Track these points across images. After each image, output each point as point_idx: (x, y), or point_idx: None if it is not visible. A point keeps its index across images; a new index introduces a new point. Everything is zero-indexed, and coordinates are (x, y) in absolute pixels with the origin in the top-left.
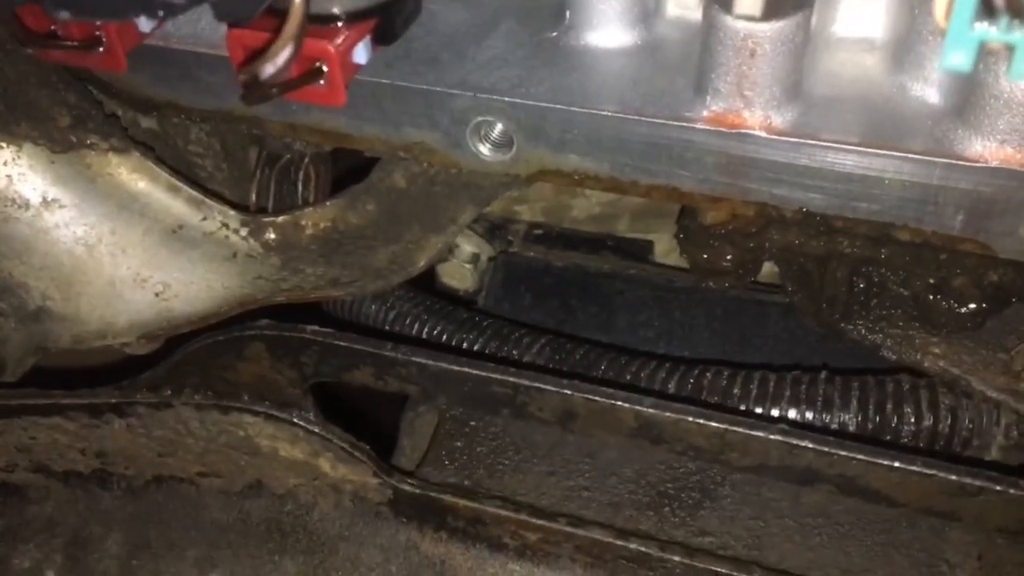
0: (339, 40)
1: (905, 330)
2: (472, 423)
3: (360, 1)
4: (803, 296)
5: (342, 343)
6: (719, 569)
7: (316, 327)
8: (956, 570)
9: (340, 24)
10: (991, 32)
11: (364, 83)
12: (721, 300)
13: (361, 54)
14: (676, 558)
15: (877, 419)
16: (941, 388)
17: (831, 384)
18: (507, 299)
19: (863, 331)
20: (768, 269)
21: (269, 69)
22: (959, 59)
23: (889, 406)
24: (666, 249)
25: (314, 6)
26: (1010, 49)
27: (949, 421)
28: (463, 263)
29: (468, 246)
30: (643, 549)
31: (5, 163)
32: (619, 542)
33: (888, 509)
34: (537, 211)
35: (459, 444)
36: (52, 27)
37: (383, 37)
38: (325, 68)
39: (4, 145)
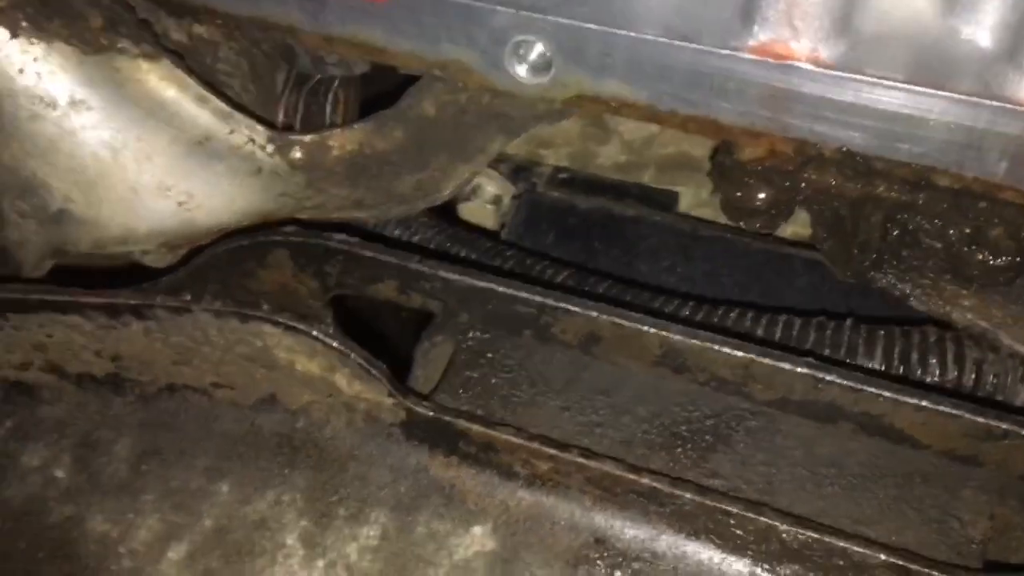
0: None
1: (935, 281)
2: (488, 355)
3: None
4: (834, 243)
5: (368, 253)
6: (730, 508)
7: (342, 235)
8: (967, 527)
9: None
10: None
11: None
12: (746, 252)
13: None
14: (687, 495)
15: (901, 369)
16: (968, 341)
17: (856, 331)
18: (529, 237)
19: (892, 280)
20: (793, 229)
21: None
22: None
23: (914, 356)
24: (691, 203)
25: None
26: None
27: (974, 375)
28: (485, 203)
29: (491, 187)
30: (654, 484)
31: (35, 60)
32: (631, 476)
33: (902, 465)
34: (562, 156)
35: (474, 375)
36: None
37: None
38: None
39: (35, 41)
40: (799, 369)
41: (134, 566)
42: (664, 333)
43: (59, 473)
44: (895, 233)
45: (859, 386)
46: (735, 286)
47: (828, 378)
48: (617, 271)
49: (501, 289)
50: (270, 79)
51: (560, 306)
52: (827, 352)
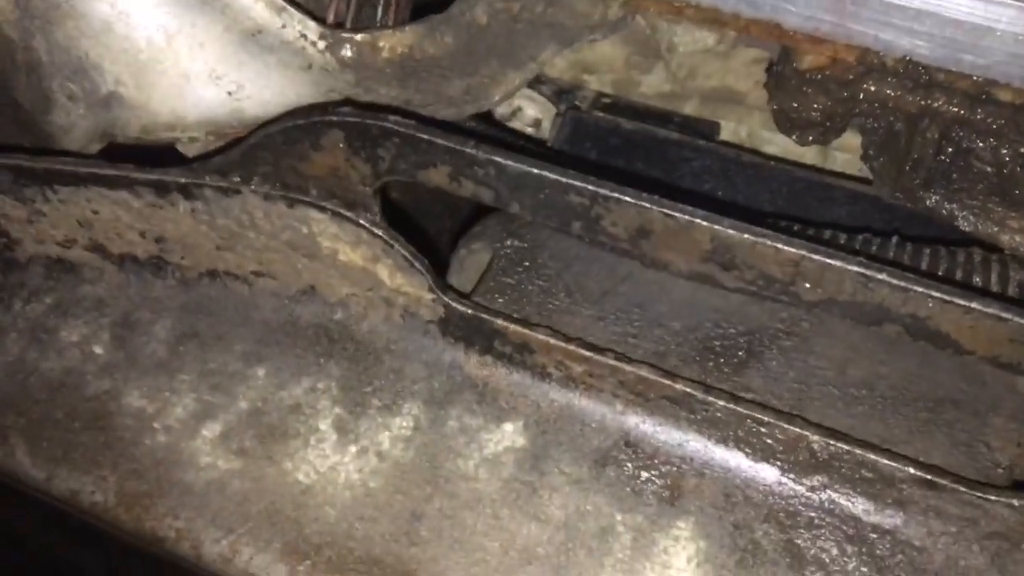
0: None
1: (984, 203)
2: (525, 263)
3: None
4: (885, 159)
5: (423, 136)
6: (761, 416)
7: (399, 117)
8: (995, 452)
9: None
10: None
11: None
12: (788, 179)
13: None
14: (720, 402)
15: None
16: (1013, 263)
17: (901, 248)
18: (571, 155)
19: (942, 200)
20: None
21: None
22: None
23: (958, 274)
24: (731, 137)
25: None
26: None
27: (1019, 295)
28: (525, 126)
29: (531, 109)
30: (687, 390)
31: None
32: (664, 380)
33: (933, 390)
34: (606, 82)
35: (510, 281)
36: None
37: None
38: None
39: None
40: (850, 267)
41: (169, 441)
42: (716, 227)
43: (97, 349)
44: (949, 151)
45: (909, 286)
46: (775, 213)
47: (879, 276)
48: (657, 192)
49: (555, 176)
50: None
51: (613, 195)
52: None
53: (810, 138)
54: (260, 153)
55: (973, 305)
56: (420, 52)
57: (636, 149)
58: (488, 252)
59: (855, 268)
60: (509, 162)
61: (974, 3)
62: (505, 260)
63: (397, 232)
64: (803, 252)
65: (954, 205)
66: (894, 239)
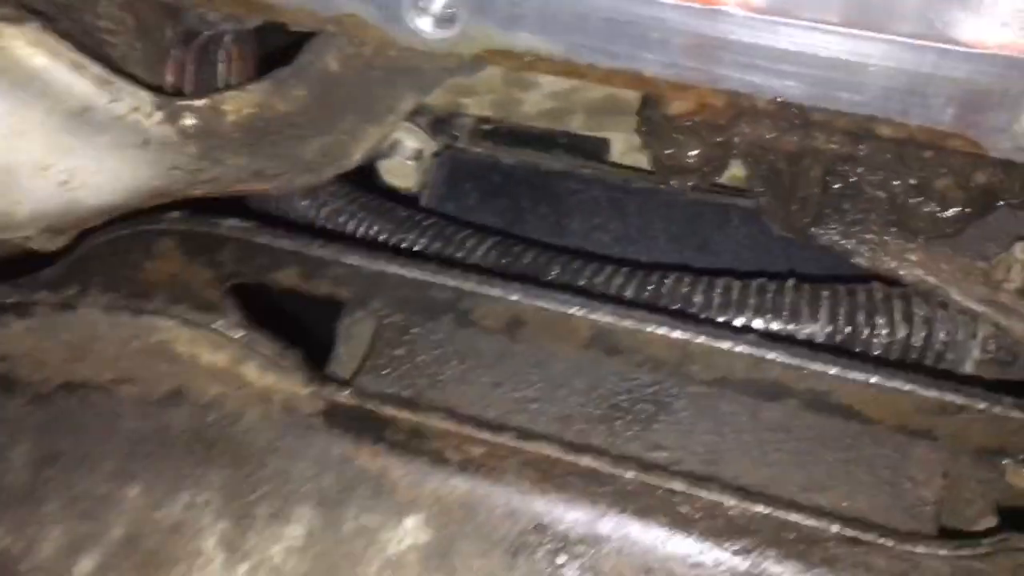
0: None
1: (880, 235)
2: (414, 330)
3: None
4: (772, 197)
5: (263, 240)
6: (674, 486)
7: (234, 220)
8: (920, 487)
9: None
10: None
11: None
12: (681, 203)
13: None
14: (629, 473)
15: (848, 330)
16: (916, 298)
17: (799, 292)
18: (451, 198)
19: (835, 236)
20: (731, 174)
21: None
22: None
23: (861, 316)
24: (623, 149)
25: None
26: None
27: (924, 333)
28: (406, 160)
29: (411, 142)
30: (594, 464)
31: None
32: (569, 457)
33: (851, 427)
34: (485, 104)
35: (399, 352)
36: None
37: None
38: None
39: None
40: (739, 348)
41: None
42: (592, 316)
43: None
44: (836, 187)
45: (803, 363)
46: (671, 241)
47: (770, 356)
48: (546, 230)
49: (412, 274)
50: (159, 35)
51: (479, 291)
52: (770, 317)
53: (689, 183)
54: (91, 264)
55: (873, 380)
56: (270, 111)
57: (520, 186)
58: (374, 318)
59: (743, 349)
60: (362, 262)
61: (843, 40)
62: (392, 329)
63: (266, 320)
64: (688, 336)
65: (850, 241)
66: (791, 282)
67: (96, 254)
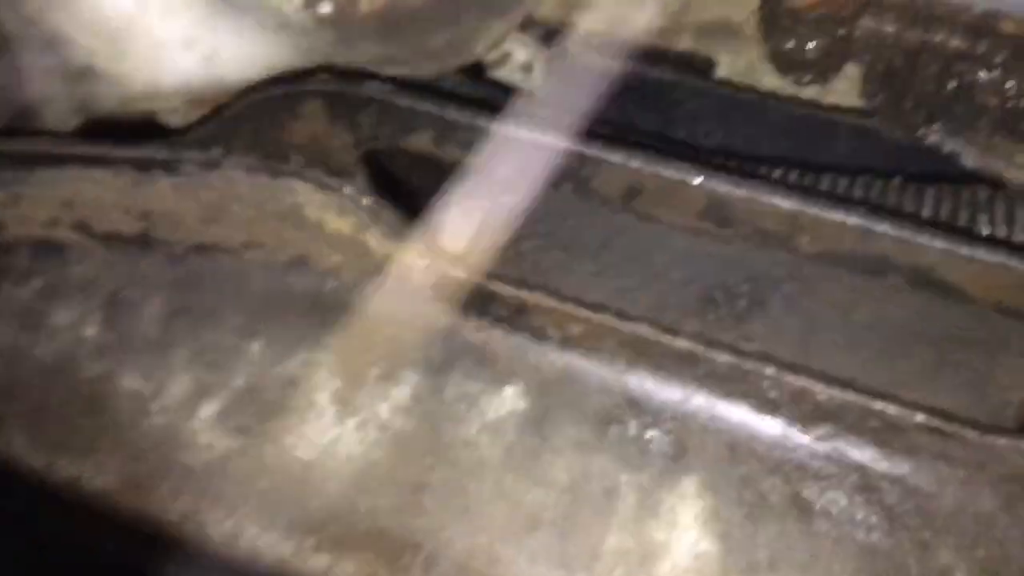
0: None
1: (989, 138)
2: (520, 220)
3: None
4: (886, 96)
5: (404, 102)
6: (764, 371)
7: (378, 83)
8: (1005, 391)
9: None
10: None
11: None
12: (787, 117)
13: None
14: (722, 357)
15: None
16: (1020, 200)
17: (904, 189)
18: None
19: (945, 136)
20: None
21: None
22: None
23: (963, 214)
24: (728, 72)
25: None
26: None
27: None
28: (515, 71)
29: (521, 53)
30: (688, 346)
31: None
32: (664, 338)
33: (940, 330)
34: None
35: (507, 238)
36: None
37: None
38: None
39: None
40: (849, 219)
41: (167, 422)
42: (708, 183)
43: (89, 331)
44: (951, 86)
45: (910, 236)
46: (775, 152)
47: (879, 229)
48: (653, 138)
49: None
50: None
51: (601, 156)
52: (873, 207)
53: (807, 79)
54: (239, 124)
55: (977, 254)
56: (401, 4)
57: (628, 93)
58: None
59: (854, 220)
60: (494, 126)
61: None
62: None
63: (387, 196)
64: (799, 206)
65: (958, 141)
66: (896, 181)
67: (245, 114)
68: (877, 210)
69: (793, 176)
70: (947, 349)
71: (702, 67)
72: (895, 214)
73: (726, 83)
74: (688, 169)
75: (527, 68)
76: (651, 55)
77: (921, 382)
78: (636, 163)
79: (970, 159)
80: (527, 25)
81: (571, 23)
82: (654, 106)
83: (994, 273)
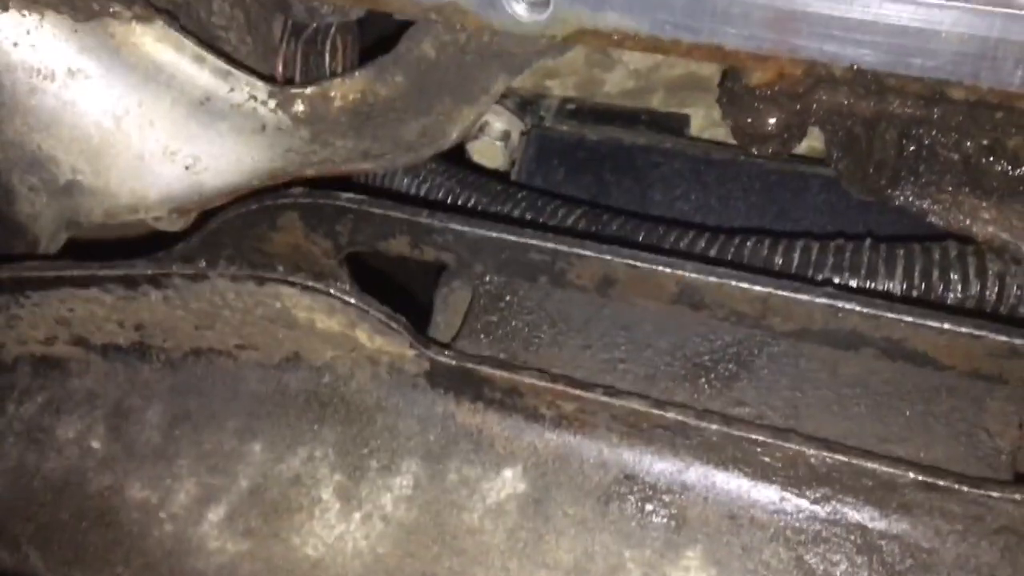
0: None
1: (954, 195)
2: (507, 298)
3: None
4: (849, 162)
5: (377, 210)
6: (756, 436)
7: (351, 194)
8: (996, 438)
9: None
10: None
11: None
12: (759, 173)
13: None
14: (713, 426)
15: (923, 286)
16: (989, 254)
17: (875, 251)
18: (540, 174)
19: (911, 197)
20: (807, 144)
21: None
22: None
23: (935, 273)
24: (702, 124)
25: None
26: None
27: (996, 288)
28: (494, 140)
29: (499, 123)
30: (680, 417)
31: (28, 32)
32: (656, 411)
33: (927, 380)
34: (569, 86)
35: (494, 319)
36: None
37: None
38: None
39: (26, 14)
40: (818, 300)
41: (175, 530)
42: (679, 272)
43: (95, 443)
44: (911, 149)
45: (879, 312)
46: (750, 209)
47: (847, 306)
48: (630, 203)
49: (512, 238)
50: (267, 29)
51: (573, 251)
52: (847, 275)
53: (770, 150)
54: (221, 237)
55: (945, 326)
56: (373, 96)
57: (604, 160)
58: (469, 288)
59: (822, 300)
60: (466, 228)
61: (915, 9)
62: (486, 297)
63: (370, 293)
64: (769, 289)
65: (924, 201)
66: (867, 242)
67: (226, 228)
68: (844, 289)
69: (766, 244)
70: (935, 399)
71: (676, 125)
72: (865, 288)
73: (698, 142)
74: (657, 260)
75: (505, 137)
76: (625, 116)
77: (913, 435)
78: (608, 255)
79: (938, 217)
80: (503, 95)
81: (545, 90)
82: (629, 171)
83: (965, 342)
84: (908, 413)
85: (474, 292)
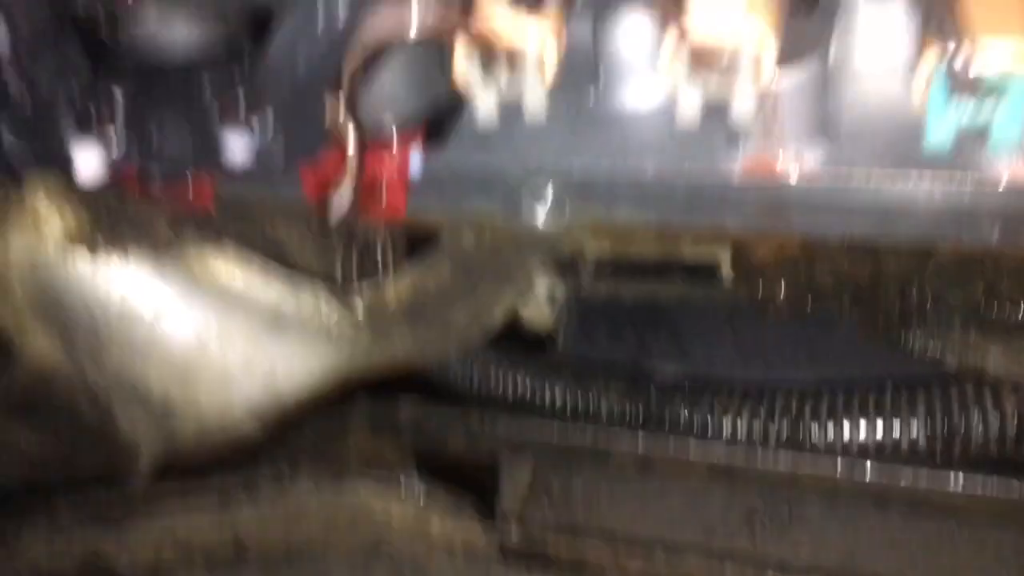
0: (394, 157)
1: (964, 336)
2: (568, 464)
3: (409, 111)
4: (859, 313)
5: (434, 417)
6: None
7: (409, 399)
8: None
9: (393, 141)
10: (965, 118)
11: (424, 166)
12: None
13: (416, 162)
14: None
15: (945, 424)
16: (1005, 389)
17: (897, 396)
18: (583, 336)
19: (922, 341)
20: None
21: (338, 201)
22: (940, 140)
23: (955, 412)
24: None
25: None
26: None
27: (1015, 422)
28: (540, 303)
29: (542, 286)
30: (739, 572)
31: (118, 273)
32: (716, 569)
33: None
34: (603, 246)
35: (556, 486)
36: None
37: (434, 142)
38: (385, 187)
39: (115, 257)
40: (839, 467)
41: None
42: (709, 453)
43: None
44: (915, 298)
45: (896, 475)
46: (786, 348)
47: (868, 471)
48: (669, 356)
49: (554, 431)
50: (327, 236)
51: (610, 442)
52: (873, 422)
53: (784, 314)
54: (300, 446)
55: (961, 485)
56: (423, 290)
57: (641, 317)
58: (530, 465)
59: (842, 469)
60: (513, 426)
61: (891, 185)
62: (545, 470)
63: (439, 476)
64: (791, 465)
65: (937, 343)
66: (889, 388)
67: (304, 438)
68: (864, 452)
69: (796, 400)
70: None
71: (707, 273)
72: (888, 443)
73: (729, 289)
74: (687, 443)
75: (549, 298)
76: (657, 269)
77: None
78: (640, 444)
79: (952, 359)
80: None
81: (581, 253)
82: (666, 326)
83: (984, 497)
84: (962, 549)
85: (534, 467)
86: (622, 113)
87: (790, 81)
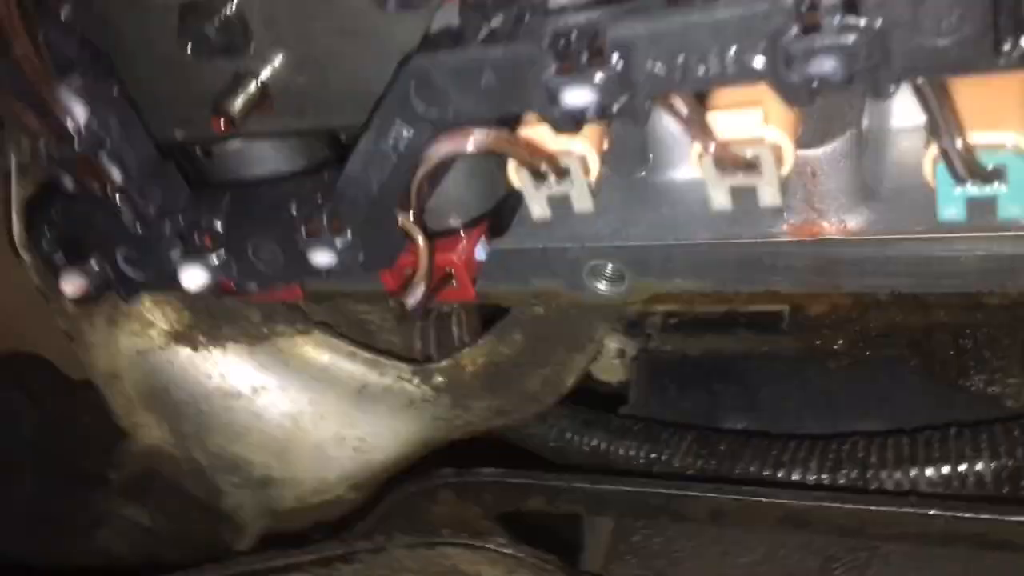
0: (461, 249)
1: (1021, 376)
2: (643, 524)
3: (472, 210)
4: (918, 361)
5: (514, 480)
6: None
7: (491, 469)
8: None
9: (460, 235)
10: (973, 191)
11: (490, 253)
12: (857, 364)
13: (481, 251)
14: None
15: (1009, 463)
16: None
17: (961, 439)
18: (654, 392)
19: (982, 384)
20: None
21: (412, 297)
22: (953, 214)
23: (1019, 451)
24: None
25: (435, 225)
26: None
27: None
28: (612, 359)
29: (613, 343)
30: None
31: (217, 363)
32: None
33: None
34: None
35: (637, 539)
36: None
37: (497, 231)
38: (454, 274)
39: (212, 348)
40: (904, 509)
41: None
42: (778, 501)
43: None
44: (969, 345)
45: (961, 514)
46: (850, 399)
47: (931, 512)
48: (739, 409)
49: (630, 489)
50: (405, 312)
51: (683, 493)
52: (939, 465)
53: (844, 364)
54: (391, 514)
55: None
56: (498, 357)
57: (710, 372)
58: (610, 520)
59: (908, 510)
60: (589, 485)
61: (932, 243)
62: (625, 525)
63: (524, 536)
64: (859, 506)
65: (995, 386)
66: (952, 431)
67: (394, 507)
68: (927, 497)
69: (861, 449)
70: None
71: (770, 323)
72: (954, 484)
73: (790, 339)
74: (758, 492)
75: (620, 355)
76: (722, 322)
77: None
78: (713, 494)
79: (1011, 400)
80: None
81: (648, 311)
82: (734, 379)
83: None
84: None
85: (615, 523)
86: (672, 188)
87: (828, 151)
